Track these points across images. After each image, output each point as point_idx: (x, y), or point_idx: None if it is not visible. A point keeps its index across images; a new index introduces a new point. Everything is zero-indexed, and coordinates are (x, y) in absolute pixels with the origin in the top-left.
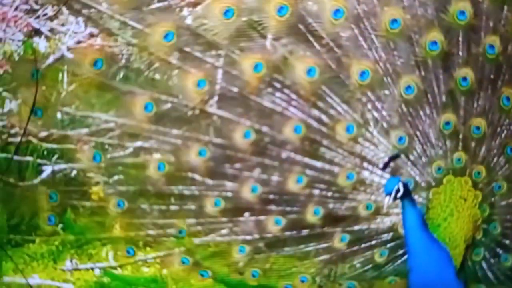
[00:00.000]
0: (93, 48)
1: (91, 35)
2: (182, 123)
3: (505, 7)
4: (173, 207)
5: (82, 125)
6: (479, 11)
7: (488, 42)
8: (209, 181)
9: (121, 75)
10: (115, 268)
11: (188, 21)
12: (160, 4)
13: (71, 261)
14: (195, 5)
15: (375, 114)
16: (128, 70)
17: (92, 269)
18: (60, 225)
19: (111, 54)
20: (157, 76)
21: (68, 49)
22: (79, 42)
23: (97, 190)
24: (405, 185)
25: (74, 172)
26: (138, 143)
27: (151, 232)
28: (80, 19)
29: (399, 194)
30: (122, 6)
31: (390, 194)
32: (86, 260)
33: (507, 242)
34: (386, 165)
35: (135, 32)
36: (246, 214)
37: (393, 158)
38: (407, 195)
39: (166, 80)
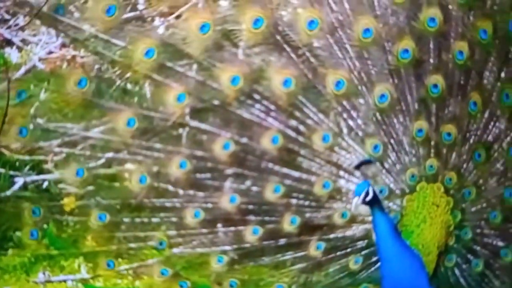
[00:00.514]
0: (77, 68)
1: (63, 45)
2: (163, 137)
3: (471, 12)
4: (154, 219)
5: (53, 136)
6: (448, 17)
7: (457, 48)
8: (190, 193)
9: (93, 86)
10: (87, 280)
11: (167, 36)
12: (131, 14)
13: (43, 273)
14: (167, 15)
15: (351, 123)
16: (100, 81)
17: (65, 281)
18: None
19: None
20: (129, 86)
21: (40, 59)
22: (50, 52)
23: (69, 201)
24: (375, 192)
25: (45, 184)
26: (119, 155)
27: (132, 245)
28: (52, 29)
29: (368, 198)
30: (104, 25)
31: (359, 195)
32: (58, 272)
33: (478, 248)
34: (358, 167)
35: (116, 49)
36: (219, 225)
37: (366, 162)
38: (377, 202)
39: (146, 94)
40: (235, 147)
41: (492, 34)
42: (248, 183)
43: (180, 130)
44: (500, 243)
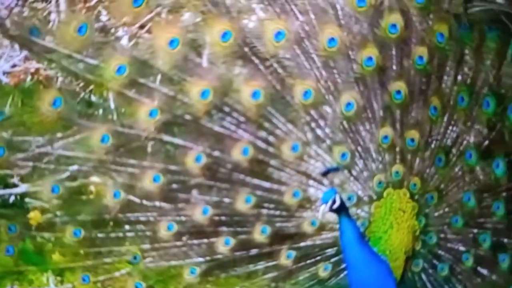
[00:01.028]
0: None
1: (26, 58)
2: (137, 152)
3: (430, 16)
4: (129, 234)
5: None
6: (409, 22)
7: (417, 53)
8: (163, 206)
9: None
10: None
11: (137, 52)
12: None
13: (11, 287)
14: (130, 25)
15: (319, 132)
16: (63, 93)
17: None
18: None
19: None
20: (93, 98)
21: (4, 73)
22: (14, 65)
23: (35, 215)
24: (341, 199)
25: (12, 198)
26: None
27: (107, 259)
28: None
29: (335, 206)
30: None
31: (326, 203)
32: (27, 286)
33: (442, 252)
34: (325, 174)
35: (87, 67)
36: (192, 237)
37: (333, 169)
38: (343, 209)
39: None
40: (207, 159)
41: (448, 37)
42: (220, 194)
43: (152, 145)
44: (462, 248)
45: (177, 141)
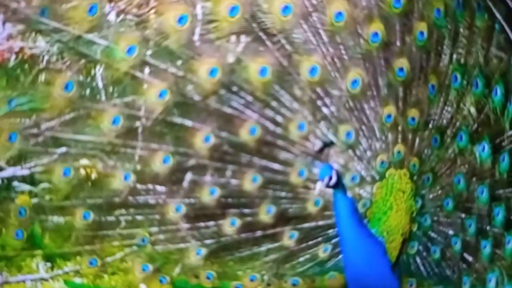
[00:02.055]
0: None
1: (10, 37)
2: (146, 134)
3: None
4: (138, 217)
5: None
6: None
7: (418, 29)
8: (172, 188)
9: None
10: (46, 280)
11: (148, 32)
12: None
13: (0, 274)
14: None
15: (325, 110)
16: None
17: (24, 281)
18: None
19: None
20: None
21: None
22: None
23: (23, 199)
24: (338, 175)
25: None
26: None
27: (115, 243)
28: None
29: (332, 182)
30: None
31: (322, 179)
32: (16, 272)
33: (435, 235)
34: (321, 150)
35: (97, 48)
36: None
37: (328, 144)
38: (340, 185)
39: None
40: (215, 140)
41: (445, 14)
42: (227, 174)
43: (162, 126)
44: (451, 232)
45: (187, 122)
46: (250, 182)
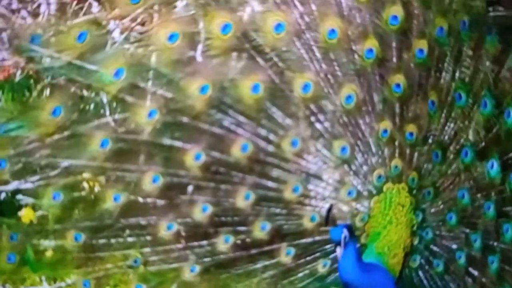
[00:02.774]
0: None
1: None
2: (136, 155)
3: (431, 9)
4: (129, 239)
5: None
6: (410, 15)
7: (417, 46)
8: (163, 207)
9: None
10: None
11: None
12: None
13: (3, 286)
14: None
15: (319, 126)
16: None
17: None
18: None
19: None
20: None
21: None
22: (3, 59)
23: (27, 212)
24: (349, 227)
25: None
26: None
27: (108, 265)
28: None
29: (347, 239)
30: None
31: (339, 243)
32: (19, 284)
33: (437, 249)
34: (327, 220)
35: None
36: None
37: (329, 210)
38: (352, 236)
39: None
40: (206, 157)
41: (447, 33)
42: (219, 192)
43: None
44: (455, 246)
45: (177, 143)
46: (243, 199)
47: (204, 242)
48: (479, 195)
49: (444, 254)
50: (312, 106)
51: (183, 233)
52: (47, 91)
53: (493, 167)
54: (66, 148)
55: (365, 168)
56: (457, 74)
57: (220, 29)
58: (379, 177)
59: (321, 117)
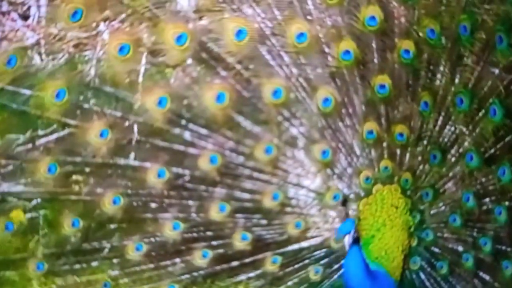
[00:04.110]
0: None
1: None
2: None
3: (416, 10)
4: (94, 263)
5: None
6: (390, 15)
7: (403, 47)
8: (128, 227)
9: None
10: None
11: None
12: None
13: None
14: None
15: (294, 131)
16: None
17: None
18: None
19: None
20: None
21: None
22: None
23: (17, 214)
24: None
25: None
26: None
27: None
28: None
29: (352, 238)
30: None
31: (348, 233)
32: None
33: (440, 251)
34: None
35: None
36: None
37: (344, 203)
38: (355, 241)
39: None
40: (170, 174)
41: (440, 35)
42: (190, 207)
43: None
44: (460, 248)
45: (133, 163)
46: (217, 211)
47: (177, 260)
48: (487, 200)
49: (448, 256)
50: (284, 112)
51: (153, 253)
52: None
53: (505, 173)
54: (13, 176)
55: (349, 170)
56: (456, 79)
57: (175, 40)
58: (367, 179)
59: (295, 122)
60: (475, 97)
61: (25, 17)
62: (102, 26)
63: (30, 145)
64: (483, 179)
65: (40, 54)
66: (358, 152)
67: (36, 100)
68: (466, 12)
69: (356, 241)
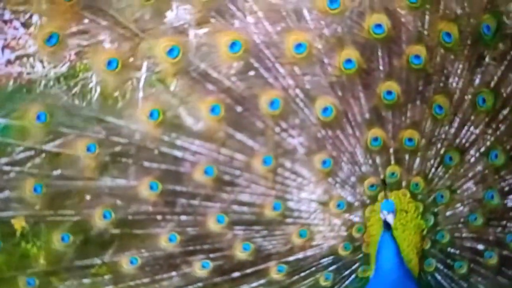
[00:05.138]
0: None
1: (9, 62)
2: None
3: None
4: (85, 280)
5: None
6: (397, 22)
7: (412, 53)
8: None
9: None
10: None
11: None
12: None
13: None
14: None
15: (292, 141)
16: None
17: None
18: None
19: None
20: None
21: None
22: None
23: (19, 221)
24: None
25: None
26: None
27: None
28: None
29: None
30: None
31: (392, 211)
32: None
33: (457, 251)
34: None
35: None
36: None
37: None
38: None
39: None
40: (163, 186)
41: (458, 37)
42: (186, 219)
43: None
44: (481, 247)
45: (120, 181)
46: (215, 222)
47: (174, 273)
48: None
49: (467, 255)
50: (282, 122)
51: (147, 267)
52: None
53: None
54: None
55: (353, 178)
56: (478, 78)
57: (167, 52)
58: (371, 186)
59: (294, 132)
60: (499, 96)
61: (27, 25)
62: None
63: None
64: (508, 176)
65: (41, 62)
66: (361, 159)
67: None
68: (489, 12)
69: (388, 227)
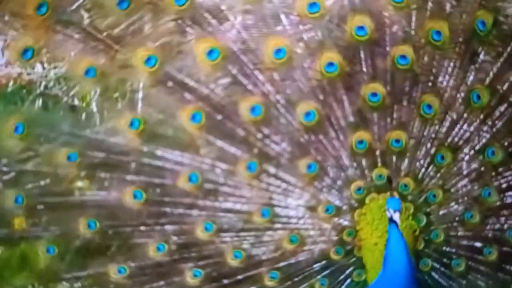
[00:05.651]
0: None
1: (9, 63)
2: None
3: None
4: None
5: None
6: (380, 23)
7: (398, 53)
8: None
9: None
10: None
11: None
12: None
13: None
14: None
15: (275, 147)
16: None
17: None
18: None
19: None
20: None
21: None
22: None
23: (19, 220)
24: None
25: None
26: None
27: None
28: None
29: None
30: None
31: (400, 210)
32: None
33: (452, 249)
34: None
35: None
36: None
37: (390, 181)
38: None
39: None
40: (147, 195)
41: (448, 35)
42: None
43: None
44: (479, 244)
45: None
46: (203, 230)
47: (162, 283)
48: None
49: (464, 253)
50: (263, 128)
51: (134, 277)
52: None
53: None
54: None
55: (339, 182)
56: (471, 75)
57: (144, 62)
58: (359, 189)
59: (276, 138)
60: (495, 93)
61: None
62: None
63: None
64: (506, 173)
65: (41, 62)
66: (347, 163)
67: None
68: (484, 8)
69: (394, 223)
